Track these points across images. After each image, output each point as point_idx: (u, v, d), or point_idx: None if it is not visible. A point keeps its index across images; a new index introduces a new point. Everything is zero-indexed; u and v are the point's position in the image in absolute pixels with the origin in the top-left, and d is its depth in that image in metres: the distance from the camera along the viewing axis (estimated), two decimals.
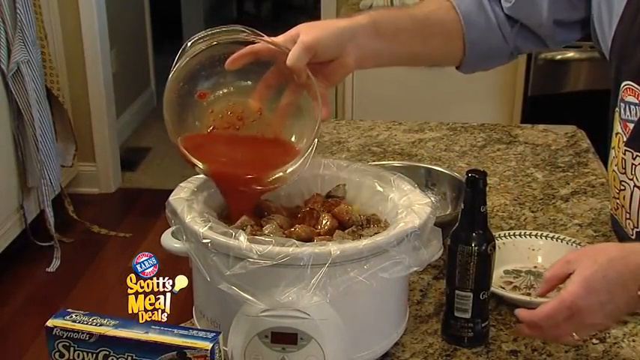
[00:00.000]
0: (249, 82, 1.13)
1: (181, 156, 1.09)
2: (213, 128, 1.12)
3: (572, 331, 1.01)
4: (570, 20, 1.28)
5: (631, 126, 1.18)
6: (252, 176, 1.10)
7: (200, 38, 1.09)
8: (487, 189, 1.06)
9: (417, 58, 1.32)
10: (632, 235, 1.20)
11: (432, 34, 1.27)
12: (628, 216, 1.21)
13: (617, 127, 1.21)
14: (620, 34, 1.19)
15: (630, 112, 1.17)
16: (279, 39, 1.12)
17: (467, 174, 1.05)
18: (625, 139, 1.19)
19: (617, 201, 1.23)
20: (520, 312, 1.04)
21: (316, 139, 1.09)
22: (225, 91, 1.13)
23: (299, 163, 1.09)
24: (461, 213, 1.07)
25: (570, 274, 1.00)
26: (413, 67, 1.39)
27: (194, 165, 1.09)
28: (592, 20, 1.25)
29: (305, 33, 1.10)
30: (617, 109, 1.21)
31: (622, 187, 1.21)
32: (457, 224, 1.08)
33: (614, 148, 1.23)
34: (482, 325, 1.10)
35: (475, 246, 1.06)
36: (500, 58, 1.36)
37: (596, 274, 0.98)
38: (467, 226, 1.07)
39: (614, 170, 1.23)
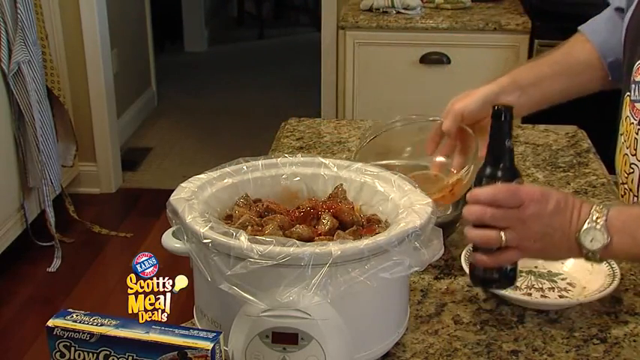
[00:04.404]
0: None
1: None
2: None
3: (507, 224, 1.01)
4: None
5: None
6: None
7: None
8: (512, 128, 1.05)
9: (565, 96, 1.40)
10: None
11: (577, 72, 1.37)
12: (635, 199, 1.22)
13: (627, 111, 1.23)
14: (635, 16, 1.23)
15: None
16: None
17: (493, 107, 1.04)
18: (634, 121, 1.21)
19: (625, 186, 1.25)
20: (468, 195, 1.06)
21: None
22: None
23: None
24: (487, 150, 1.05)
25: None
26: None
27: None
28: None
29: (456, 101, 1.30)
30: (627, 93, 1.23)
31: (631, 170, 1.23)
32: (482, 163, 1.06)
33: (622, 134, 1.25)
34: (509, 267, 1.08)
35: (502, 182, 1.03)
36: None
37: (555, 194, 1.03)
38: (492, 162, 1.04)
39: (625, 154, 1.24)
